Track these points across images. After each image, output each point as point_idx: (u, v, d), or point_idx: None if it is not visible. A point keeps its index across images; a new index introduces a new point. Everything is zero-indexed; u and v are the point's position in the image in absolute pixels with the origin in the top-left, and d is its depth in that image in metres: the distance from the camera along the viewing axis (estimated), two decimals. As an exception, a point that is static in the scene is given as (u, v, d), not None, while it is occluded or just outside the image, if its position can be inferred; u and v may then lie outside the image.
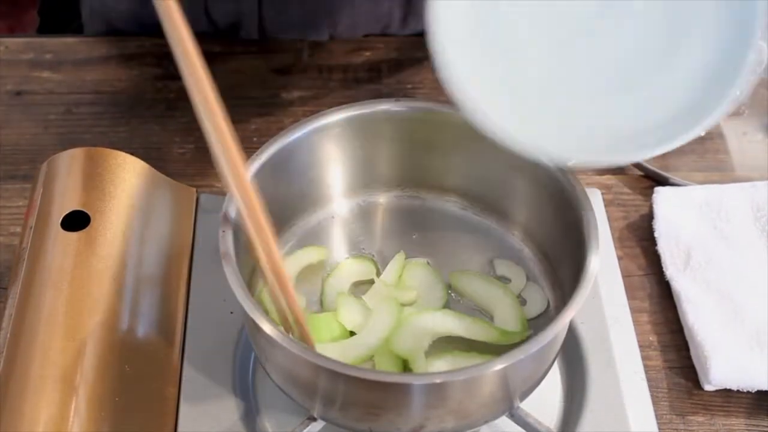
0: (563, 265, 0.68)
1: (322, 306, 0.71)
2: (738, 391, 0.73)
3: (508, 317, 0.69)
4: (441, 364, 0.66)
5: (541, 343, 0.58)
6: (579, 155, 0.61)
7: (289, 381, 0.63)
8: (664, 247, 0.81)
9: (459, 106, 0.58)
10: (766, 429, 0.71)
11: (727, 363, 0.72)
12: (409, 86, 0.96)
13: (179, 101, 0.94)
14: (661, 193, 0.84)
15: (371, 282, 0.72)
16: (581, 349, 0.72)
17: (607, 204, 0.84)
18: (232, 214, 0.64)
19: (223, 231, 0.64)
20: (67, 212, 0.73)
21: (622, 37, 0.61)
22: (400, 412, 0.60)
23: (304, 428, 0.63)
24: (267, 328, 0.59)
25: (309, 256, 0.73)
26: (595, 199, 0.82)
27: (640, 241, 0.83)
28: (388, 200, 0.76)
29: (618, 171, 0.89)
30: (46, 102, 0.94)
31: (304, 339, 0.62)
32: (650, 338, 0.76)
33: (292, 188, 0.72)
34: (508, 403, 0.63)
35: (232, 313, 0.74)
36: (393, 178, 0.74)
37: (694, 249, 0.80)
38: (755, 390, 0.72)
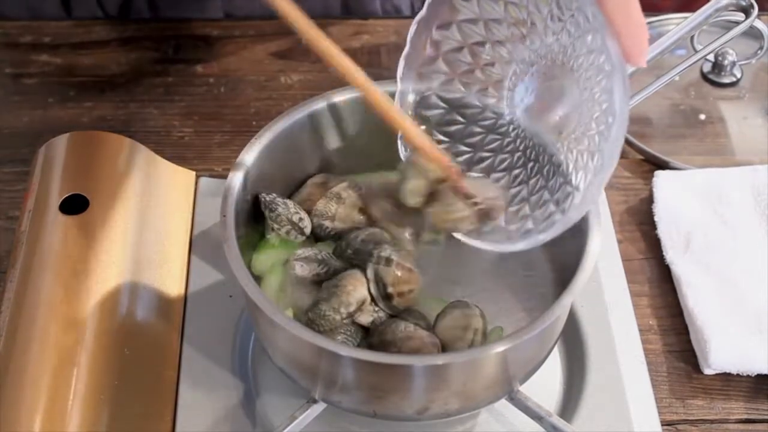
0: (564, 248, 0.68)
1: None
2: (737, 374, 0.73)
3: None
4: None
5: (542, 324, 0.58)
6: None
7: (291, 362, 0.63)
8: (664, 231, 0.81)
9: None
10: (765, 412, 0.71)
11: (727, 347, 0.72)
12: (409, 70, 0.96)
13: (178, 85, 0.94)
14: (661, 177, 0.84)
15: None
16: (581, 333, 0.72)
17: (607, 188, 0.84)
18: (233, 195, 0.64)
19: (224, 215, 0.63)
20: (66, 196, 0.73)
21: None
22: (403, 394, 0.60)
23: (305, 411, 0.63)
24: (268, 309, 0.59)
25: None
26: (596, 183, 0.82)
27: (640, 224, 0.83)
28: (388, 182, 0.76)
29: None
30: (44, 85, 0.94)
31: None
32: (650, 322, 0.76)
33: (293, 171, 0.72)
34: (508, 386, 0.63)
35: (231, 296, 0.74)
36: (392, 160, 0.74)
37: (695, 233, 0.80)
38: (755, 374, 0.72)
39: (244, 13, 1.00)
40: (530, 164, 0.67)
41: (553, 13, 0.61)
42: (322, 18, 1.00)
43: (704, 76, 0.94)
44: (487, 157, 0.69)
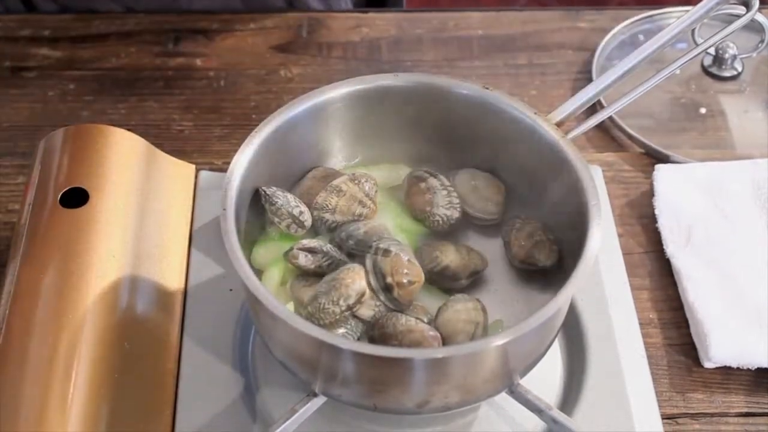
0: (564, 241, 0.68)
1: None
2: (737, 368, 0.73)
3: None
4: None
5: (543, 318, 0.58)
6: None
7: (291, 356, 0.63)
8: (664, 225, 0.80)
9: None
10: (765, 406, 0.71)
11: (727, 340, 0.72)
12: (409, 63, 0.96)
13: (178, 78, 0.94)
14: (661, 171, 0.84)
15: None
16: (581, 327, 0.72)
17: (608, 181, 0.84)
18: (233, 189, 0.64)
19: (224, 208, 0.63)
20: (66, 189, 0.73)
21: None
22: (404, 387, 0.60)
23: (305, 404, 0.63)
24: (269, 303, 0.59)
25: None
26: (596, 177, 0.81)
27: (641, 218, 0.83)
28: (389, 174, 0.75)
29: (619, 148, 0.88)
30: (44, 79, 0.94)
31: None
32: (650, 315, 0.76)
33: (293, 165, 0.71)
34: (508, 380, 0.63)
35: (231, 290, 0.74)
36: (393, 153, 0.74)
37: (695, 226, 0.80)
38: (755, 367, 0.72)
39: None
40: None
41: None
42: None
43: (705, 70, 0.94)
44: None
